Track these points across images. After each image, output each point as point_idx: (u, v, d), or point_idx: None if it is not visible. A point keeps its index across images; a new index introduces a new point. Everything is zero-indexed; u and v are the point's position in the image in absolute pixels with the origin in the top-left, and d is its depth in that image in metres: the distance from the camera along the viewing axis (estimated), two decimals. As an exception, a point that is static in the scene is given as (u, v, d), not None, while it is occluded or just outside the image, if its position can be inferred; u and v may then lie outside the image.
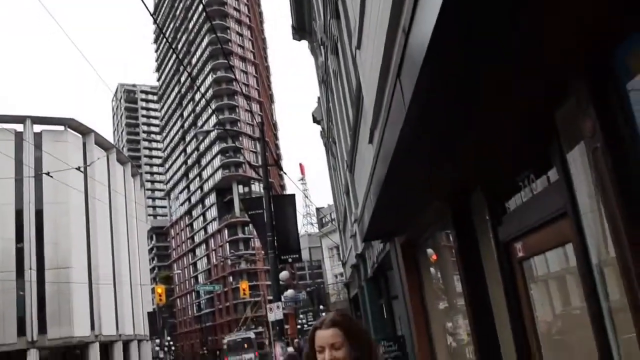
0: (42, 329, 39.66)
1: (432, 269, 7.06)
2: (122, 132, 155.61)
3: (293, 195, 21.49)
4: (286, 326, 34.94)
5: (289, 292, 35.29)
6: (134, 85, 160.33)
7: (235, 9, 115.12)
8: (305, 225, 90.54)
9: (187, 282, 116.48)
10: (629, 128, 2.20)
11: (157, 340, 50.73)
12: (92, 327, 42.67)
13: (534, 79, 2.58)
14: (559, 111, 2.85)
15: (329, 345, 2.24)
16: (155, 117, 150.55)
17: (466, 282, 4.85)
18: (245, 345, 48.48)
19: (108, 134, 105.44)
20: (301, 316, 48.91)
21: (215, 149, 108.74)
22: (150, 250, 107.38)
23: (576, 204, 2.83)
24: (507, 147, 3.65)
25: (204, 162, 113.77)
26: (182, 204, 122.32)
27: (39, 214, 41.78)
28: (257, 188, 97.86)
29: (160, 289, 38.02)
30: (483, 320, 4.76)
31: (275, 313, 16.83)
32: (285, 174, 45.37)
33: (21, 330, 38.72)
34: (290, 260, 21.10)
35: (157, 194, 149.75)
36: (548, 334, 3.81)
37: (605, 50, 2.24)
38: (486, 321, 4.74)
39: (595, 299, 2.78)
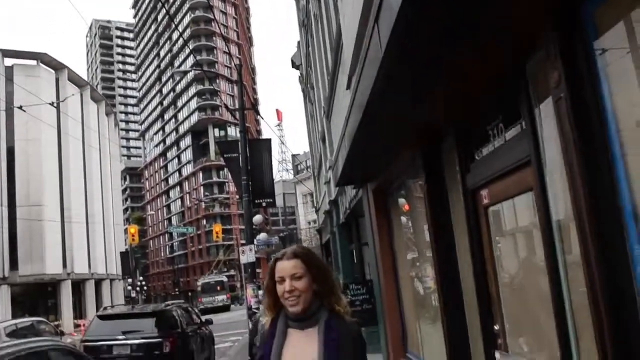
0: (14, 265, 39.61)
1: (402, 217, 7.22)
2: (96, 70, 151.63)
3: (269, 140, 21.43)
4: (258, 270, 35.44)
5: (262, 236, 35.61)
6: (109, 22, 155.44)
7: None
8: (281, 171, 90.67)
9: (160, 224, 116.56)
10: (592, 80, 2.28)
11: (130, 280, 51.07)
12: (65, 265, 42.75)
13: (505, 30, 2.64)
14: (529, 63, 2.92)
15: (290, 275, 2.26)
16: (131, 56, 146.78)
17: (433, 228, 5.00)
18: (218, 288, 50.26)
19: (82, 72, 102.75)
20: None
21: (192, 90, 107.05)
22: (124, 190, 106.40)
23: (539, 153, 2.94)
24: (479, 96, 3.72)
25: (180, 103, 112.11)
26: (156, 146, 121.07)
27: (10, 151, 41.06)
28: (233, 132, 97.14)
29: (133, 229, 37.99)
30: (447, 266, 4.92)
31: (247, 255, 17.02)
32: (262, 118, 45.02)
33: (-8, 266, 38.66)
34: (264, 204, 21.23)
35: (132, 134, 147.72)
36: (508, 278, 3.99)
37: (574, 4, 2.30)
38: (450, 267, 4.91)
39: (552, 246, 2.92)
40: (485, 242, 4.11)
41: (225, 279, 52.86)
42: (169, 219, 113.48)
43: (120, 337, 10.91)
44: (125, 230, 50.60)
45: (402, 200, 7.02)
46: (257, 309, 14.52)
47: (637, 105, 2.19)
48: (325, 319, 2.30)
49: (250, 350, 9.22)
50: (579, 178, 2.36)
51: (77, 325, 33.98)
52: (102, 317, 12.00)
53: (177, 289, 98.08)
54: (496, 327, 4.02)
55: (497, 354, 3.99)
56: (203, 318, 15.58)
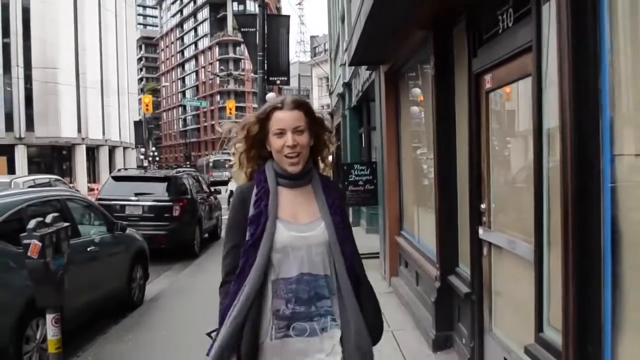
0: (30, 126, 40.17)
1: (410, 100, 7.32)
2: None
3: (288, 17, 21.03)
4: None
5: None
6: None
7: None
8: (298, 52, 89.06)
9: (174, 96, 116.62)
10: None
11: (142, 150, 52.05)
12: (79, 130, 43.38)
13: None
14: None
15: (292, 128, 2.04)
16: None
17: (437, 111, 5.14)
18: (226, 165, 52.30)
19: None
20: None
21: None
22: (139, 60, 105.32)
23: (540, 40, 3.02)
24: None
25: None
26: (173, 16, 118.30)
27: (25, 10, 40.30)
28: (252, 7, 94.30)
29: (147, 98, 38.13)
30: (447, 148, 5.12)
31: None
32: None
33: (9, 126, 39.21)
34: (278, 82, 21.23)
35: (148, 2, 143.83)
36: (498, 157, 4.20)
37: None
38: (449, 149, 5.11)
39: (540, 131, 3.08)
40: (483, 126, 4.26)
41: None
42: (183, 92, 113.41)
43: (132, 198, 11.44)
44: (140, 100, 50.77)
45: (416, 90, 7.08)
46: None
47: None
48: (319, 179, 2.17)
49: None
50: (567, 64, 2.46)
51: (90, 189, 35.10)
52: (116, 178, 12.51)
53: (188, 162, 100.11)
54: (483, 206, 4.27)
55: (480, 230, 4.28)
56: (212, 189, 16.14)
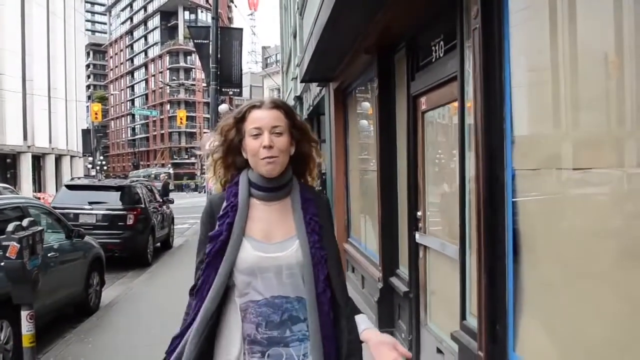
0: (-28, 133, 39.15)
1: (357, 116, 7.85)
2: None
3: (241, 30, 21.37)
4: (220, 158, 36.12)
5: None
6: None
7: None
8: (249, 62, 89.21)
9: (122, 104, 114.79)
10: (499, 17, 2.88)
11: (90, 158, 51.21)
12: (25, 138, 42.42)
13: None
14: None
15: (270, 127, 1.85)
16: None
17: (379, 128, 5.68)
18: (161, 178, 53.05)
19: None
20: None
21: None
22: (87, 67, 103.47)
23: (464, 72, 3.57)
24: (428, 14, 4.28)
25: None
26: (122, 23, 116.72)
27: (-32, 13, 39.33)
28: (204, 17, 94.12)
29: (97, 107, 37.86)
30: (388, 161, 5.66)
31: (212, 142, 17.60)
32: (235, 5, 43.98)
33: (-50, 132, 38.13)
34: (231, 93, 21.56)
35: (97, 8, 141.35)
36: (432, 170, 4.74)
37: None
38: (390, 162, 5.65)
39: (463, 148, 3.62)
40: (420, 143, 4.81)
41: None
42: (132, 101, 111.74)
43: (86, 206, 11.57)
44: (87, 108, 50.02)
45: (363, 106, 7.59)
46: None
47: (528, 42, 2.80)
48: (298, 190, 1.94)
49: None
50: (480, 103, 3.00)
51: (37, 199, 34.43)
52: (70, 187, 12.60)
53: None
54: (419, 213, 4.81)
55: (417, 235, 4.81)
56: (165, 198, 16.31)
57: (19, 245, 3.66)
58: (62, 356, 5.75)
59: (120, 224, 11.61)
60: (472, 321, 3.44)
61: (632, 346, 2.02)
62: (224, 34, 19.86)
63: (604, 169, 2.24)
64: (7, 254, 3.69)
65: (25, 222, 3.96)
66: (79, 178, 20.35)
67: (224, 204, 1.91)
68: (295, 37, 15.38)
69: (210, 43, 18.43)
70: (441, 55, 4.21)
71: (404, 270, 5.35)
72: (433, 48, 4.37)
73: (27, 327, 3.87)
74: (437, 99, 4.36)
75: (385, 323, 5.64)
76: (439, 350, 4.38)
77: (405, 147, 5.14)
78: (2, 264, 5.43)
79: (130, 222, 11.72)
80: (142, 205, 12.48)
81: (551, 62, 2.58)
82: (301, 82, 10.68)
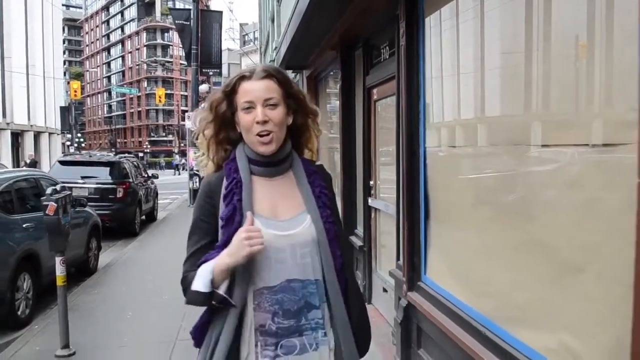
0: (-51, 109, 39.36)
1: (326, 99, 8.96)
2: None
3: (221, 12, 22.26)
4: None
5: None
6: None
7: None
8: (227, 39, 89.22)
9: (99, 81, 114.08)
10: (418, 38, 4.01)
11: (69, 136, 51.48)
12: (4, 115, 42.69)
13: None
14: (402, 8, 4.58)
15: (263, 100, 1.71)
16: None
17: (342, 113, 6.82)
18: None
19: None
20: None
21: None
22: (62, 42, 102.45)
23: (400, 73, 4.69)
24: (377, 24, 5.39)
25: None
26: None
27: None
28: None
29: (76, 84, 38.28)
30: (349, 140, 6.80)
31: (191, 122, 18.57)
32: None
33: None
34: (211, 73, 22.50)
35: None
36: (381, 147, 5.89)
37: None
38: (351, 141, 6.79)
39: (398, 134, 4.75)
40: (372, 125, 5.95)
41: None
42: (109, 78, 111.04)
43: (79, 181, 12.52)
44: (65, 85, 50.12)
45: (330, 92, 8.67)
46: (198, 170, 16.25)
47: (435, 56, 3.93)
48: (300, 163, 1.84)
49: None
50: (404, 97, 4.14)
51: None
52: (62, 163, 13.54)
53: (113, 149, 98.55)
54: (371, 182, 5.98)
55: (369, 200, 5.99)
56: (149, 174, 17.28)
57: (55, 205, 4.72)
58: (75, 302, 6.82)
59: (110, 196, 12.59)
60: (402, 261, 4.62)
61: (490, 264, 3.18)
62: (205, 16, 20.76)
63: (474, 146, 3.41)
64: (46, 212, 4.74)
65: (58, 187, 5.01)
66: (71, 154, 21.03)
67: (225, 182, 1.76)
68: (273, 22, 16.33)
69: (191, 25, 19.31)
70: (387, 57, 5.33)
71: (360, 229, 6.53)
72: (382, 50, 5.49)
73: (60, 270, 4.94)
74: (384, 91, 5.49)
75: (346, 274, 6.82)
76: (384, 290, 5.58)
77: (361, 129, 6.28)
78: (25, 225, 6.53)
79: (119, 195, 12.73)
80: (130, 180, 13.48)
81: (451, 73, 3.71)
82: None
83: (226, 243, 1.67)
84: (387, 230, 5.63)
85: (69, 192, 5.11)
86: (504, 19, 2.98)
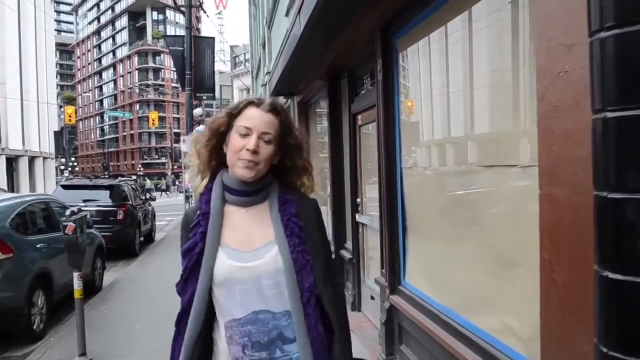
0: (-56, 136, 39.71)
1: (316, 125, 9.57)
2: None
3: (213, 39, 22.96)
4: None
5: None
6: None
7: None
8: (218, 62, 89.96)
9: (91, 105, 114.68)
10: (393, 73, 4.62)
11: (63, 160, 51.86)
12: (-1, 140, 43.12)
13: (362, 34, 4.92)
14: (379, 48, 5.20)
15: (260, 132, 1.73)
16: None
17: (330, 137, 7.42)
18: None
19: None
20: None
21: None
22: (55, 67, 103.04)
23: (379, 101, 5.30)
24: (359, 57, 6.02)
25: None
26: (90, 23, 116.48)
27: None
28: (172, 16, 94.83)
29: (70, 109, 38.77)
30: (337, 162, 7.40)
31: (188, 144, 19.15)
32: (204, 11, 45.28)
33: None
34: (204, 97, 23.13)
35: (63, 7, 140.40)
36: (365, 169, 6.48)
37: (389, 34, 4.59)
38: (339, 162, 7.38)
39: (380, 155, 5.34)
40: (358, 148, 6.56)
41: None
42: (101, 101, 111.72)
43: (81, 204, 13.02)
44: (59, 109, 50.57)
45: (319, 118, 9.28)
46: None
47: (404, 87, 4.54)
48: (277, 193, 1.81)
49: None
50: (382, 124, 4.74)
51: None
52: (64, 187, 14.09)
53: (106, 172, 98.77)
54: (358, 200, 6.56)
55: (357, 215, 6.57)
56: (147, 196, 17.81)
57: (74, 225, 5.27)
58: (86, 317, 7.28)
59: (111, 218, 13.13)
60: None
61: (452, 265, 3.75)
62: (197, 43, 21.48)
63: (440, 167, 4.01)
64: (65, 231, 5.29)
65: (75, 209, 5.56)
66: (71, 178, 21.48)
67: (198, 212, 1.79)
68: (264, 47, 17.00)
69: (184, 52, 19.98)
70: (369, 87, 5.94)
71: (349, 243, 7.09)
72: (364, 81, 6.11)
73: (77, 284, 5.48)
74: (367, 118, 6.10)
75: (337, 285, 7.38)
76: (372, 297, 6.14)
77: (348, 151, 6.88)
78: (38, 245, 7.05)
79: (120, 217, 13.27)
80: (130, 202, 14.02)
81: (418, 105, 4.32)
82: (271, 95, 12.35)
83: (184, 273, 1.76)
84: (373, 243, 6.19)
85: (85, 214, 5.65)
86: (463, 53, 3.57)
